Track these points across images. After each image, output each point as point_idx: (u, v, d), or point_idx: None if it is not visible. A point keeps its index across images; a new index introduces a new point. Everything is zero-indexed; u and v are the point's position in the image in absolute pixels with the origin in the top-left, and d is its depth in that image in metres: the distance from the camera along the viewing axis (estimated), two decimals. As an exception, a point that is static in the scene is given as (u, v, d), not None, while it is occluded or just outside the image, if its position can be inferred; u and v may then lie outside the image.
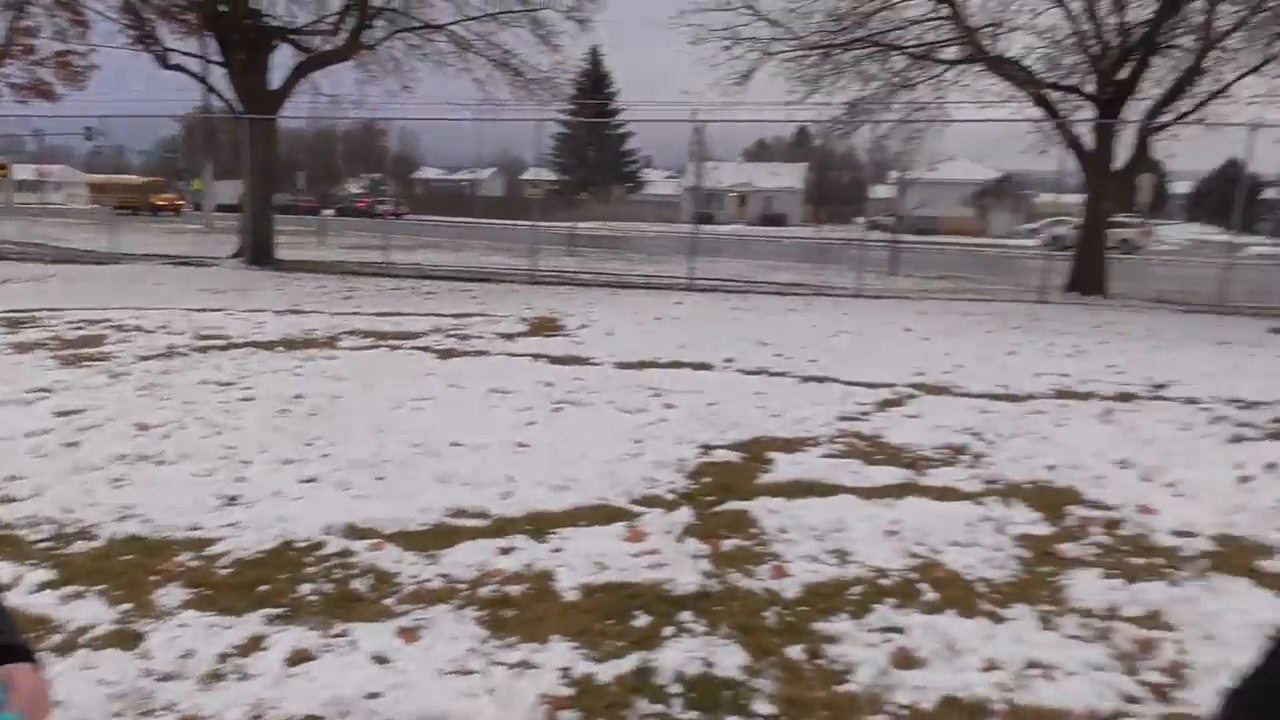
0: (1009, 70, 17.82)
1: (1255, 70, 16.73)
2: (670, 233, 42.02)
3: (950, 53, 18.37)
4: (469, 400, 6.98)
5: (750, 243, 38.58)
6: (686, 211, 66.18)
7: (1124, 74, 17.10)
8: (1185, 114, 17.41)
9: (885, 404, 7.41)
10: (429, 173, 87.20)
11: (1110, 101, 17.25)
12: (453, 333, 10.11)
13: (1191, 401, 7.85)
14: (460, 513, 4.58)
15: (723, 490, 5.10)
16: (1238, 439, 6.59)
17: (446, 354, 8.81)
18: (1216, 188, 67.61)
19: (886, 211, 64.96)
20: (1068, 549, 4.44)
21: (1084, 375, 8.90)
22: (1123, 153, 18.07)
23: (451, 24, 18.64)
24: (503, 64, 18.96)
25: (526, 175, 74.80)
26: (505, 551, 4.10)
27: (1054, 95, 18.39)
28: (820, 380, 8.28)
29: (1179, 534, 4.67)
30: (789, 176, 70.95)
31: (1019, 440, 6.40)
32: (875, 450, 6.04)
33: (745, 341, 10.27)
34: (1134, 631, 3.57)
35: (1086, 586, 3.99)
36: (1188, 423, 7.04)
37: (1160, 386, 8.47)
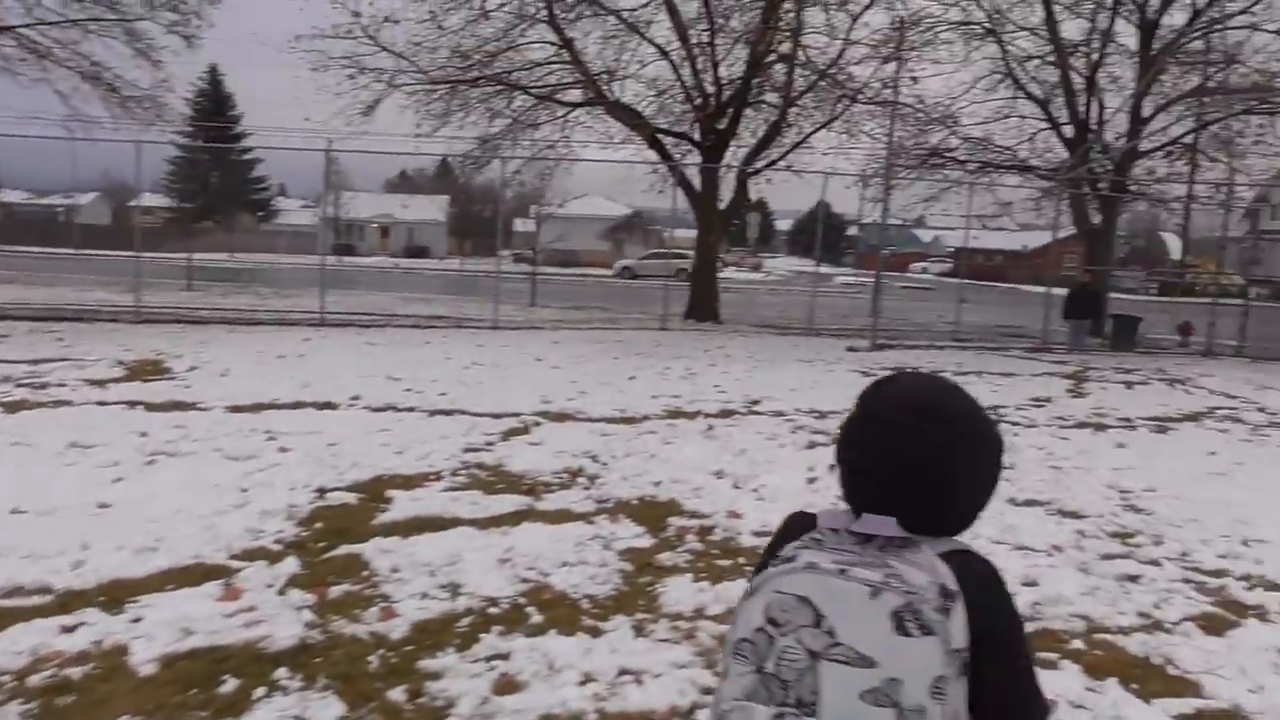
0: (624, 115, 19.14)
1: (825, 126, 19.45)
2: (305, 265, 39.93)
3: (572, 95, 19.40)
4: (40, 459, 6.11)
5: (392, 275, 37.85)
6: (324, 243, 63.42)
7: (723, 124, 19.08)
8: (774, 160, 19.79)
9: (510, 433, 7.57)
10: (10, 196, 75.58)
11: (713, 147, 19.15)
12: (25, 382, 8.81)
13: (779, 414, 8.87)
14: (15, 590, 3.98)
15: (336, 535, 4.90)
16: (812, 445, 7.54)
17: (14, 407, 7.65)
18: (809, 225, 77.72)
19: (527, 245, 66.68)
20: (665, 558, 4.80)
21: (693, 396, 9.72)
22: (727, 193, 20.15)
23: (22, 26, 16.37)
24: (93, 77, 16.99)
25: (137, 201, 67.53)
26: (69, 630, 3.62)
27: (667, 140, 20.07)
28: (449, 413, 8.27)
29: (759, 534, 5.23)
30: (432, 208, 70.55)
31: (631, 459, 6.83)
32: (497, 479, 6.14)
33: (375, 377, 10.00)
34: (715, 628, 3.93)
35: (678, 592, 4.33)
36: (774, 434, 7.94)
37: (755, 402, 9.48)
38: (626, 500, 5.81)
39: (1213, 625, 4.07)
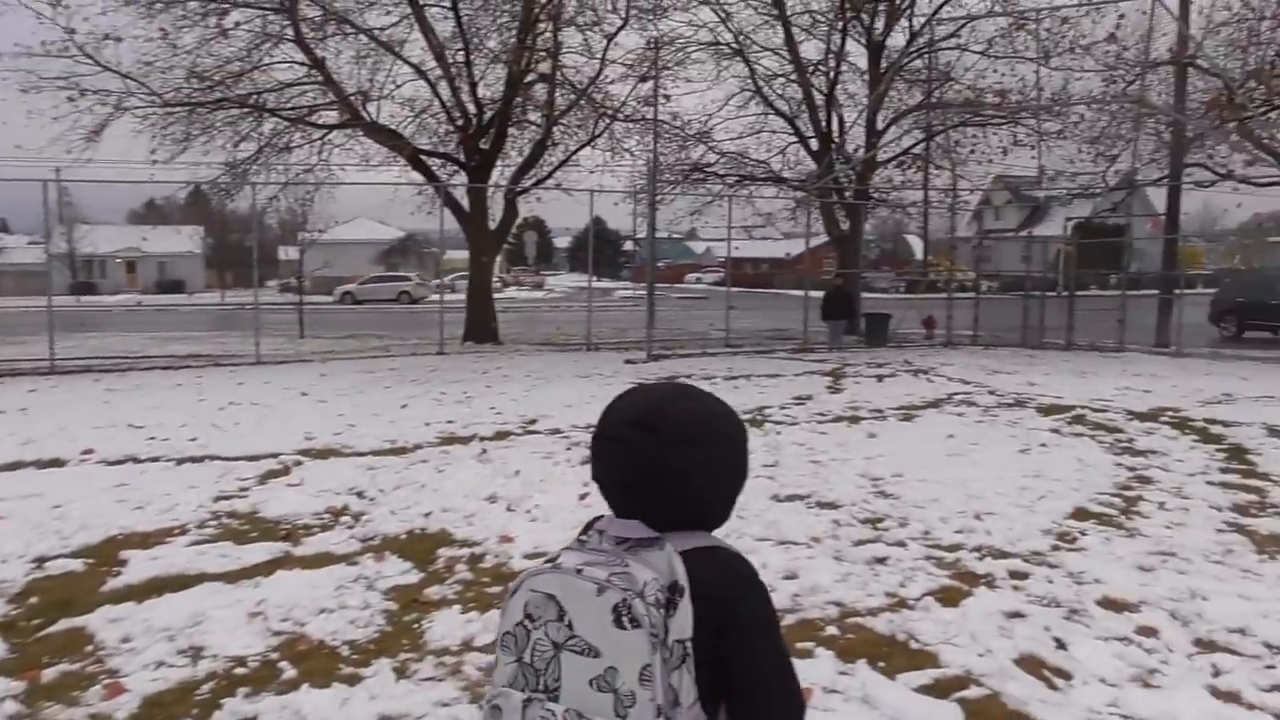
0: (383, 136, 18.58)
1: (589, 144, 19.78)
2: (34, 307, 36.02)
3: (329, 117, 18.64)
4: None
5: (142, 314, 34.94)
6: (53, 282, 57.56)
7: (486, 144, 18.95)
8: (542, 179, 19.89)
9: (268, 475, 7.09)
10: None
11: (479, 167, 18.97)
12: None
13: (555, 432, 8.85)
14: None
15: (55, 609, 4.37)
16: (587, 461, 7.54)
17: None
18: (586, 242, 78.73)
19: (295, 273, 63.45)
20: (433, 592, 4.62)
21: (469, 419, 9.52)
22: (500, 213, 20.01)
23: None
24: None
25: None
26: None
27: (432, 160, 19.71)
28: (199, 460, 7.65)
29: (532, 556, 5.15)
30: (185, 240, 65.66)
31: (401, 492, 6.57)
32: (250, 528, 5.71)
33: (114, 427, 9.11)
34: (483, 659, 3.80)
35: (445, 626, 4.17)
36: (550, 452, 7.90)
37: (532, 422, 9.41)
38: (394, 536, 5.57)
39: (949, 597, 4.38)
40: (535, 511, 5.99)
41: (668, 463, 1.33)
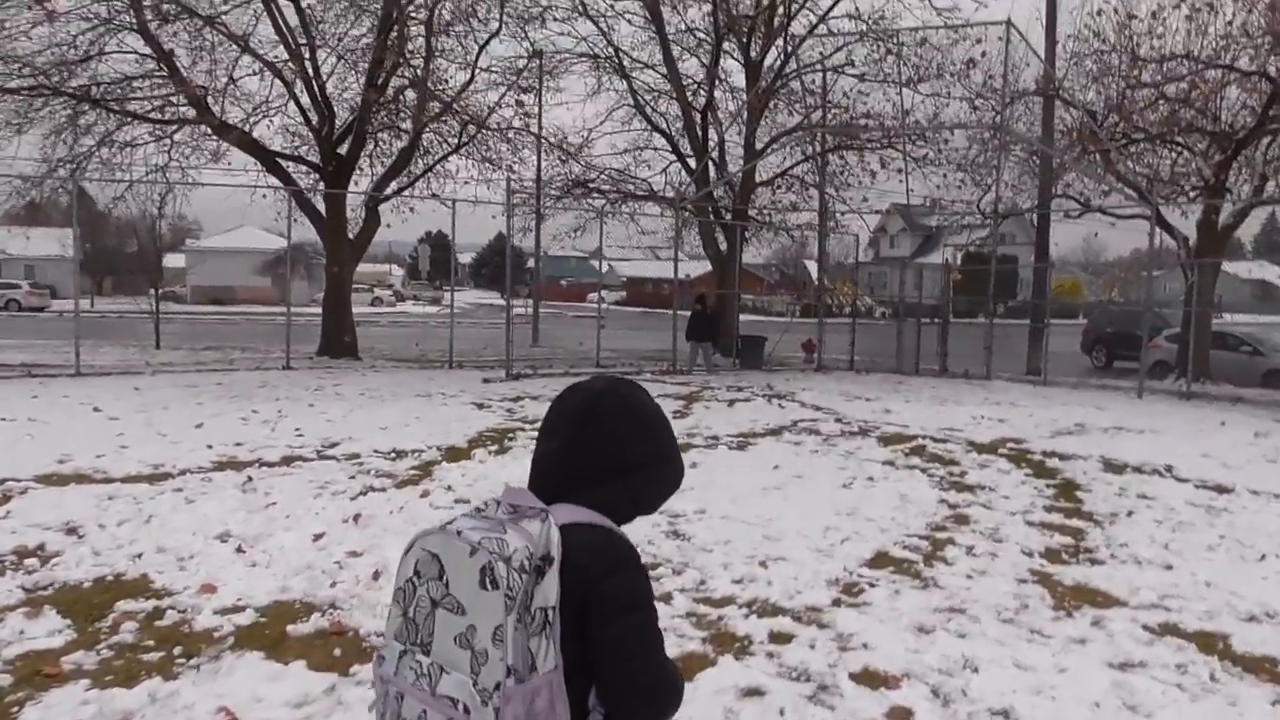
0: (235, 137, 17.43)
1: (455, 151, 18.95)
2: None
3: (184, 114, 17.41)
4: None
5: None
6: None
7: (344, 148, 17.95)
8: (403, 188, 18.97)
9: (-26, 507, 6.05)
10: None
11: (336, 172, 17.93)
12: None
13: (352, 457, 7.97)
14: None
15: None
16: (365, 491, 6.71)
17: None
18: (490, 258, 77.38)
19: (179, 281, 60.55)
20: (71, 661, 3.74)
21: (263, 441, 8.56)
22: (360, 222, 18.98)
23: None
24: None
25: None
26: None
27: (292, 166, 18.61)
28: (-94, 486, 6.54)
29: (227, 611, 4.31)
30: (57, 243, 61.96)
31: (124, 528, 5.62)
32: (-103, 574, 4.71)
33: None
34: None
35: (51, 711, 3.31)
36: (328, 481, 7.02)
37: (332, 445, 8.51)
38: (75, 584, 4.65)
39: (688, 667, 3.71)
40: (263, 554, 5.14)
41: (603, 414, 1.44)
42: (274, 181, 18.42)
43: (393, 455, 8.08)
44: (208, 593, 4.56)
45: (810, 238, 29.88)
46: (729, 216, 21.49)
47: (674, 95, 20.95)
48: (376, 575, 4.81)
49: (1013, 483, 7.54)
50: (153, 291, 26.70)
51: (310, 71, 16.84)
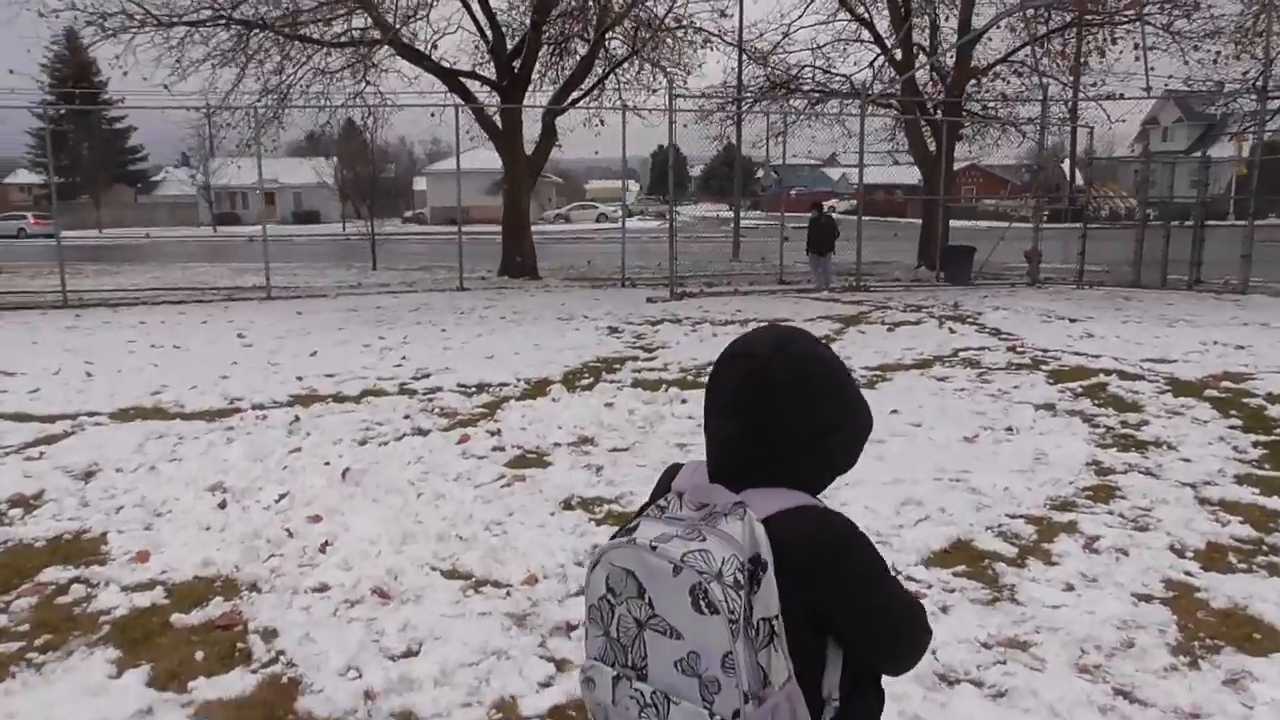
0: (415, 56, 17.39)
1: (633, 57, 17.92)
2: (182, 237, 37.48)
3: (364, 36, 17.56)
4: None
5: (271, 244, 35.41)
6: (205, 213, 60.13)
7: (518, 63, 17.43)
8: (576, 100, 18.23)
9: (34, 443, 6.03)
10: None
11: (510, 87, 17.49)
12: None
13: (432, 392, 7.45)
14: None
15: None
16: (416, 431, 6.14)
17: None
18: (719, 169, 76.16)
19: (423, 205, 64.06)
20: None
21: (363, 372, 8.26)
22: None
23: None
24: None
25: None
26: None
27: (472, 83, 18.41)
28: (-4, 419, 6.70)
29: (141, 587, 3.84)
30: (320, 171, 67.28)
31: (124, 476, 5.34)
32: (-120, 521, 4.62)
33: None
34: None
35: None
36: (383, 420, 6.52)
37: (425, 376, 8.05)
38: (26, 544, 4.35)
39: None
40: (238, 510, 4.64)
41: (780, 382, 1.24)
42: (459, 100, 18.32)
43: (473, 390, 7.48)
44: (141, 561, 4.10)
45: (1054, 133, 26.35)
46: (939, 112, 19.11)
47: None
48: (324, 547, 4.17)
49: (1205, 438, 5.77)
50: (379, 213, 27.97)
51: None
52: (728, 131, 24.25)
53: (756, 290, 15.69)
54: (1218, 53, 15.77)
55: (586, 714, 1.25)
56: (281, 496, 4.74)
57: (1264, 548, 4.05)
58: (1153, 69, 16.14)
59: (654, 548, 1.16)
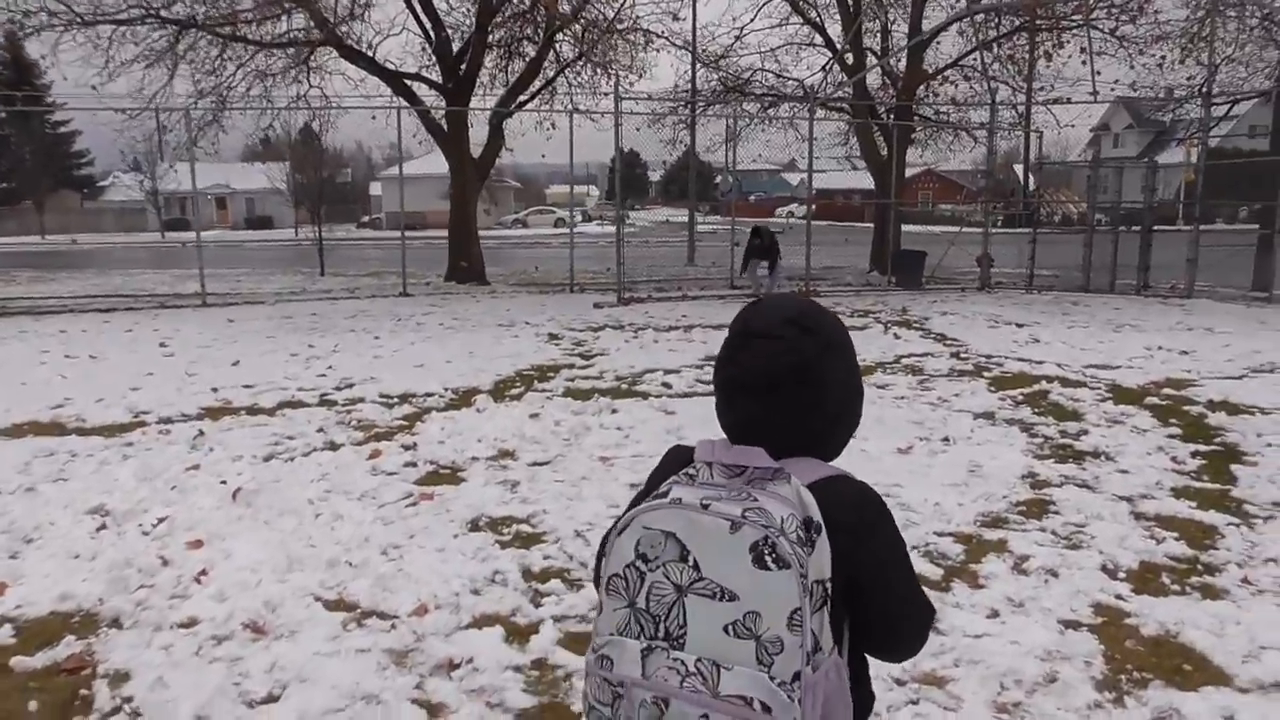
0: (363, 60, 17.01)
1: (578, 60, 17.65)
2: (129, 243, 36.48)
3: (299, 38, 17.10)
4: None
5: (223, 250, 34.64)
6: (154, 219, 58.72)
7: (463, 66, 17.08)
8: (524, 102, 17.92)
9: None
10: None
11: (455, 90, 17.13)
12: None
13: (353, 403, 7.11)
14: None
15: None
16: (325, 448, 5.80)
17: None
18: (678, 175, 76.07)
19: (366, 211, 63.28)
20: None
21: (284, 383, 7.88)
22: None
23: None
24: None
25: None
26: None
27: (418, 86, 18.02)
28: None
29: (-8, 622, 3.47)
30: (272, 177, 66.20)
31: (15, 497, 4.96)
32: None
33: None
34: None
35: None
36: (294, 434, 6.17)
37: (347, 387, 7.70)
38: None
39: None
40: (113, 536, 4.29)
41: (818, 366, 1.25)
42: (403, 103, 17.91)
43: (396, 401, 7.14)
44: (-4, 594, 3.74)
45: (1005, 138, 26.43)
46: (890, 117, 19.06)
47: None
48: (201, 576, 3.83)
49: (1144, 448, 5.61)
50: (333, 218, 27.47)
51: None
52: (681, 136, 24.03)
53: (706, 295, 15.46)
54: (1163, 58, 15.83)
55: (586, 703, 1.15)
56: (161, 520, 4.38)
57: (1198, 566, 3.86)
58: (1099, 73, 16.14)
59: (705, 505, 1.11)
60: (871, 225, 22.19)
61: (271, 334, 11.00)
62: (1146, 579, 3.74)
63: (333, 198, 66.54)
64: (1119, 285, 16.04)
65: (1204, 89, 15.69)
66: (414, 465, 5.42)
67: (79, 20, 14.07)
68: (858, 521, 1.19)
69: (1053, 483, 4.97)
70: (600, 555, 1.22)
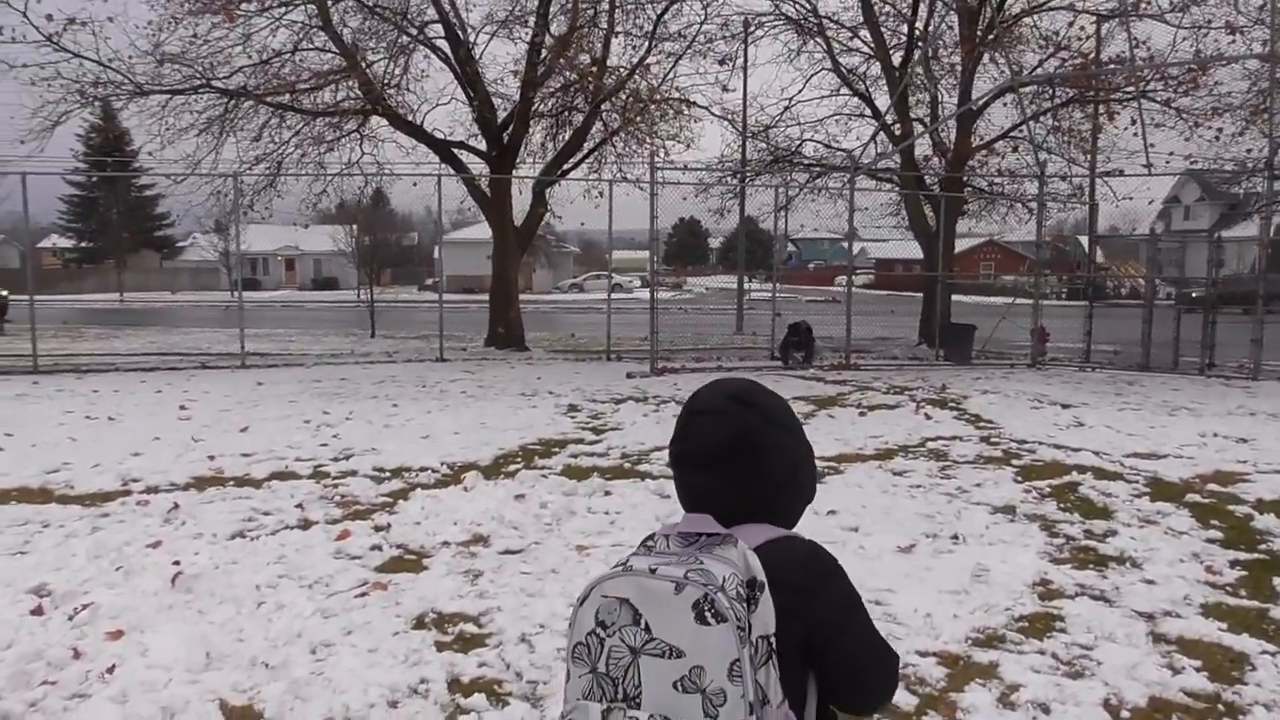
0: (409, 128, 17.32)
1: (620, 131, 17.69)
2: (205, 302, 37.58)
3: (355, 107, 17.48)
4: None
5: (290, 310, 35.53)
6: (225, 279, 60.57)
7: (507, 134, 17.26)
8: (566, 170, 17.99)
9: None
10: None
11: (499, 157, 17.29)
12: None
13: (346, 475, 6.88)
14: None
15: None
16: (287, 527, 5.55)
17: None
18: (736, 243, 76.42)
19: (429, 273, 64.37)
20: None
21: (277, 452, 7.72)
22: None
23: None
24: None
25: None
26: None
27: (464, 154, 18.25)
28: None
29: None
30: (336, 238, 67.96)
31: (-29, 568, 4.80)
32: None
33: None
34: None
35: None
36: (270, 510, 5.95)
37: (345, 458, 7.50)
38: None
39: None
40: (34, 623, 4.06)
41: (757, 436, 1.35)
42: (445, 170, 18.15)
43: (388, 475, 6.91)
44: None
45: (1060, 209, 25.76)
46: (938, 188, 18.69)
47: (871, 51, 18.49)
48: (108, 673, 3.57)
49: (1178, 554, 5.07)
50: (373, 283, 27.90)
51: (463, 54, 16.23)
52: (729, 204, 23.93)
53: (743, 366, 15.08)
54: (1219, 129, 15.23)
55: None
56: (86, 606, 4.14)
57: (1219, 707, 3.35)
58: (1154, 146, 15.57)
59: (653, 570, 1.19)
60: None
61: (294, 398, 10.94)
62: (1156, 717, 3.24)
63: (397, 260, 68.01)
64: (1183, 364, 15.28)
65: (1269, 161, 15.04)
66: (380, 549, 5.14)
67: (136, 88, 14.53)
68: (805, 580, 1.26)
69: (1065, 593, 4.47)
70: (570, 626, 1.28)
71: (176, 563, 4.78)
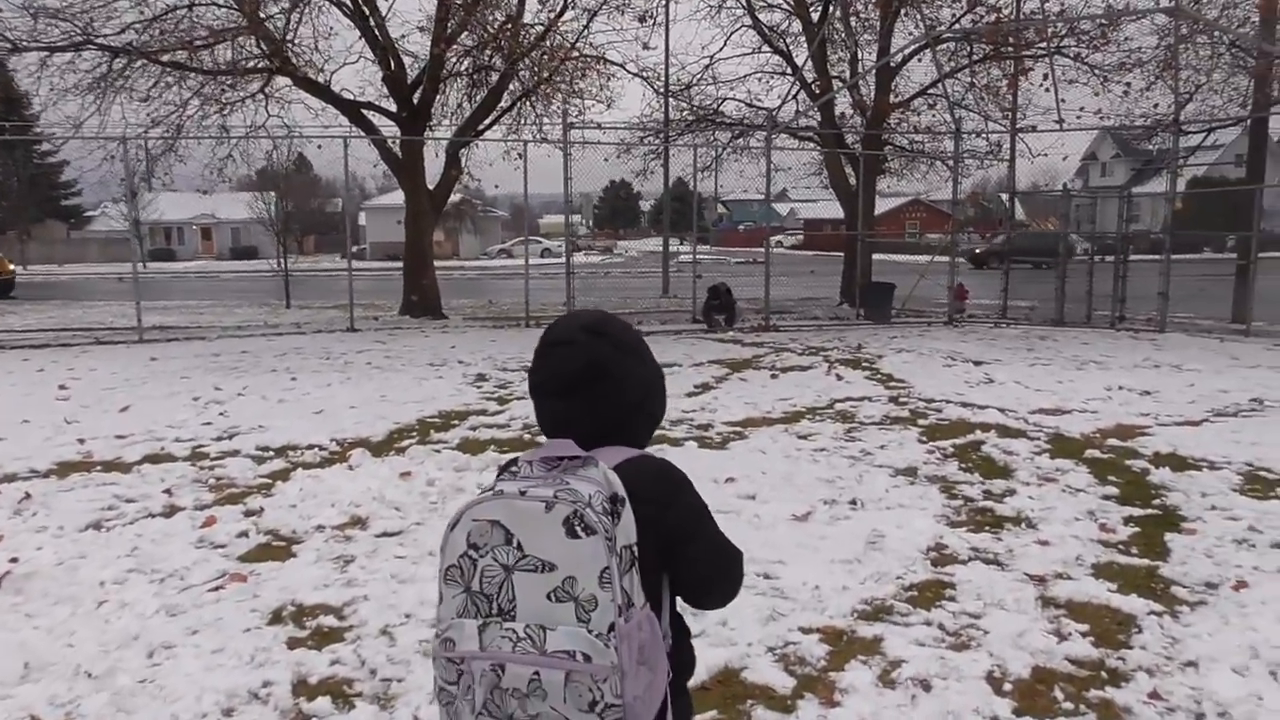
0: (315, 88, 16.57)
1: (539, 87, 17.19)
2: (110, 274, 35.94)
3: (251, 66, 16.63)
4: None
5: (207, 280, 34.22)
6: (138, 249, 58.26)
7: (418, 94, 16.64)
8: (481, 130, 17.45)
9: None
10: None
11: (410, 118, 16.67)
12: None
13: (226, 455, 6.49)
14: None
15: None
16: (149, 515, 5.17)
17: None
18: (668, 203, 75.85)
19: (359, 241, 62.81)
20: None
21: (157, 432, 7.26)
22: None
23: None
24: None
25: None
26: None
27: (373, 114, 17.55)
28: None
29: None
30: (253, 206, 65.86)
31: None
32: None
33: None
34: None
35: None
36: (129, 499, 5.55)
37: (229, 437, 7.09)
38: None
39: None
40: None
41: (609, 365, 1.44)
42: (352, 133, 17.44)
43: (271, 455, 6.53)
44: None
45: (979, 167, 25.95)
46: (859, 147, 18.61)
47: (791, 8, 18.24)
48: (-90, 689, 3.20)
49: (1073, 511, 5.00)
50: (288, 252, 26.96)
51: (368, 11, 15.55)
52: (652, 165, 23.57)
53: (664, 330, 14.88)
54: (1128, 84, 15.37)
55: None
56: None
57: (1102, 674, 3.24)
58: (1065, 102, 15.66)
59: (523, 493, 1.27)
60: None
61: (187, 374, 10.39)
62: (1035, 694, 3.11)
63: (321, 227, 66.03)
64: (1096, 318, 15.53)
65: (1174, 117, 15.24)
66: (247, 535, 4.80)
67: (14, 47, 13.57)
68: (659, 493, 1.38)
69: (959, 558, 4.35)
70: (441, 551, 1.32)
71: (14, 560, 4.39)
